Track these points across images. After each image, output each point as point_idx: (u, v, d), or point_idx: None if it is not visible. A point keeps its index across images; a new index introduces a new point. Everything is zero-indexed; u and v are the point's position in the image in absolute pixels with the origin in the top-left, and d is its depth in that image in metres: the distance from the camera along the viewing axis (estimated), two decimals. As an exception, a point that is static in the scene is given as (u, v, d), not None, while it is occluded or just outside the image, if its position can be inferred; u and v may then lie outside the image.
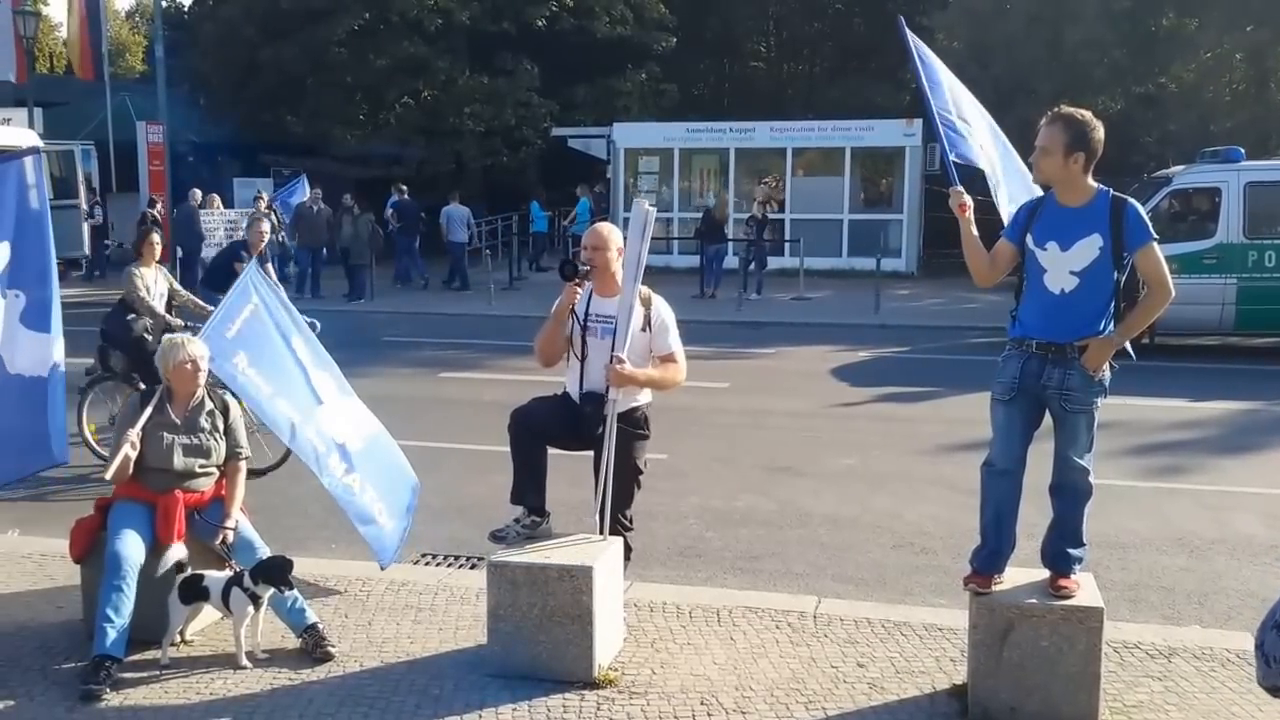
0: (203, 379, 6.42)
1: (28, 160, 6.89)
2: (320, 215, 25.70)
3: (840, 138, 30.54)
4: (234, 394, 6.62)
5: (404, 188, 29.15)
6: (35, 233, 6.78)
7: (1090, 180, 5.43)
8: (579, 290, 6.28)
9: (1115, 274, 5.36)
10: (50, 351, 6.85)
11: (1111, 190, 5.45)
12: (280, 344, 6.88)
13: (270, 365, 6.65)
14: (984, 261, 5.67)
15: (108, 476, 6.18)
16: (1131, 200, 5.41)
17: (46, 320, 6.87)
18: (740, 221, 27.25)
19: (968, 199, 5.76)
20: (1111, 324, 5.42)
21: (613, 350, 6.13)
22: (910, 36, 6.76)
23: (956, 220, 5.79)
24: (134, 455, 6.20)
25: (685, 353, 6.51)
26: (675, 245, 29.42)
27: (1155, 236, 5.36)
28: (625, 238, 6.41)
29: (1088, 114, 5.46)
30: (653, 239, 6.40)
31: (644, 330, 6.28)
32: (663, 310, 6.39)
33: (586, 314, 6.36)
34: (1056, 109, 5.52)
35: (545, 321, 6.45)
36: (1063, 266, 5.38)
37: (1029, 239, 5.48)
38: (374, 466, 6.85)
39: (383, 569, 6.85)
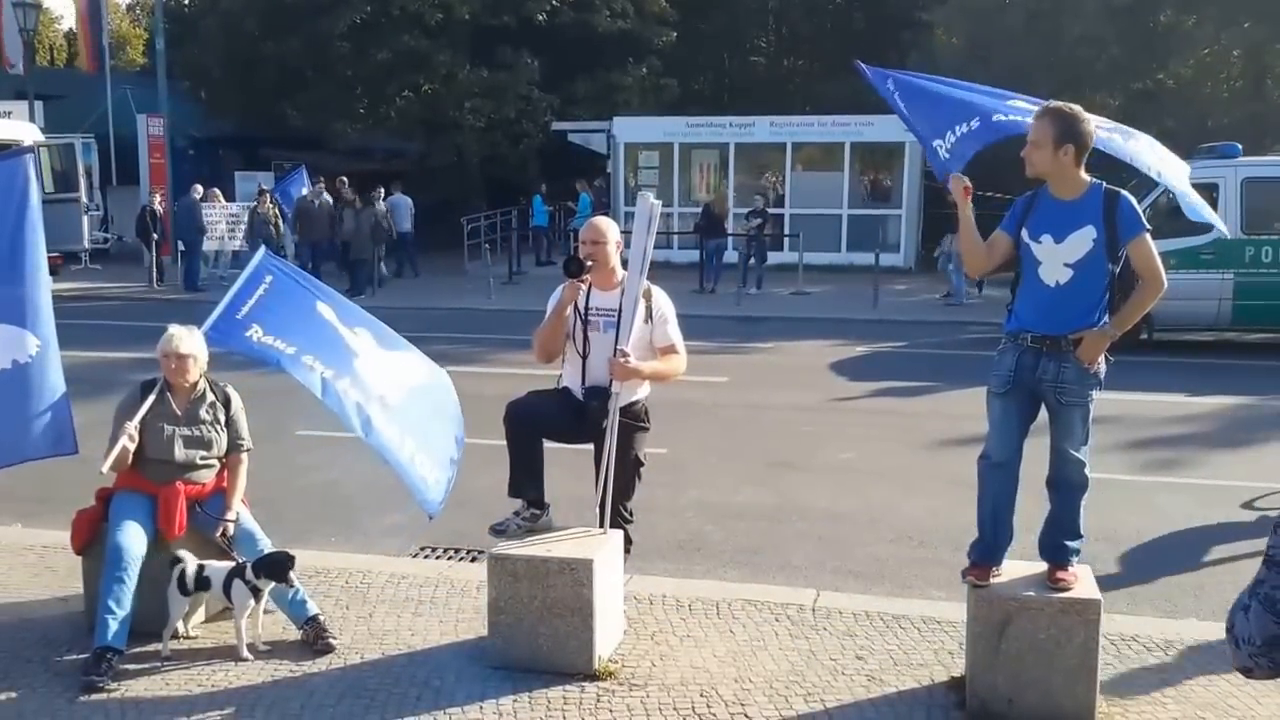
0: (190, 376, 6.41)
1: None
2: (321, 209, 25.65)
3: (840, 133, 30.52)
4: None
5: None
6: (12, 226, 6.63)
7: (1083, 173, 5.47)
8: (583, 286, 6.31)
9: (1110, 266, 5.39)
10: (21, 344, 6.63)
11: (1104, 183, 5.48)
12: (303, 311, 6.75)
13: (290, 329, 6.47)
14: (980, 249, 5.69)
15: (104, 468, 6.16)
16: (1124, 193, 5.44)
17: (13, 312, 6.66)
18: (740, 216, 27.26)
19: (969, 182, 5.77)
20: (1107, 316, 5.45)
21: (616, 344, 6.15)
22: (871, 76, 6.85)
23: (955, 217, 5.82)
24: (132, 447, 6.21)
25: (685, 347, 6.54)
26: (675, 240, 29.44)
27: (1148, 228, 5.39)
28: (629, 232, 6.44)
29: (1076, 107, 5.49)
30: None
31: (646, 323, 6.31)
32: (663, 302, 6.42)
33: (587, 308, 6.38)
34: (1045, 104, 5.55)
35: (545, 317, 6.47)
36: (1057, 259, 5.41)
37: (1024, 233, 5.51)
38: (416, 417, 6.67)
39: (431, 519, 6.60)
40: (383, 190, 26.78)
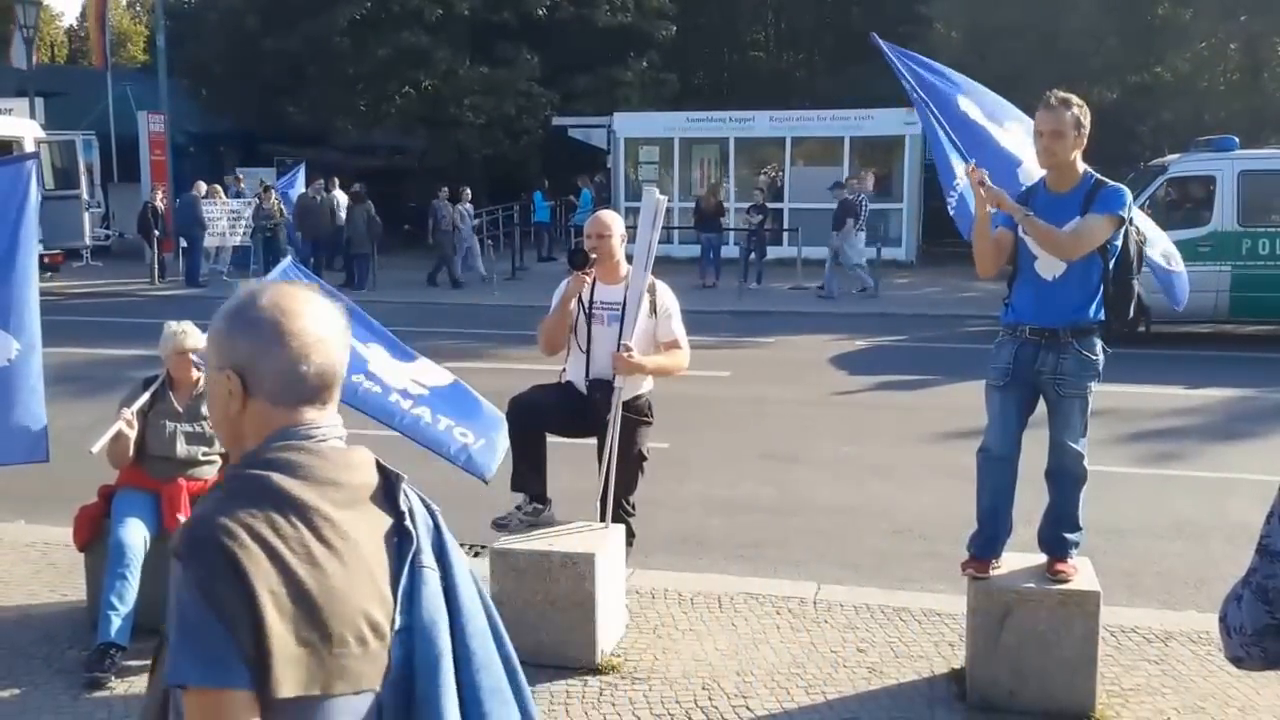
0: (197, 371, 6.45)
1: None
2: (323, 206, 25.62)
3: (839, 127, 30.49)
4: None
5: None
6: (10, 229, 6.66)
7: (1080, 164, 5.51)
8: (587, 279, 6.33)
9: (1104, 258, 5.41)
10: (5, 346, 6.65)
11: (1096, 176, 5.50)
12: None
13: None
14: (992, 249, 5.66)
15: (93, 449, 6.09)
16: (1116, 184, 5.45)
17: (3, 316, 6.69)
18: (741, 210, 27.23)
19: (986, 174, 5.73)
20: (1102, 309, 5.49)
21: (620, 338, 6.17)
22: (890, 52, 6.81)
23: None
24: (130, 434, 6.19)
25: (688, 342, 6.56)
26: (676, 235, 29.39)
27: (1123, 216, 5.38)
28: (633, 227, 6.46)
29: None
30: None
31: (650, 317, 6.33)
32: (667, 297, 6.44)
33: (591, 301, 6.40)
34: (1052, 94, 5.54)
35: (550, 310, 6.50)
36: None
37: (1020, 226, 5.53)
38: (443, 402, 6.71)
39: (486, 482, 6.60)
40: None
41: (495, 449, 6.62)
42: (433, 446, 6.46)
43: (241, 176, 27.56)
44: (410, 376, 6.77)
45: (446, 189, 26.50)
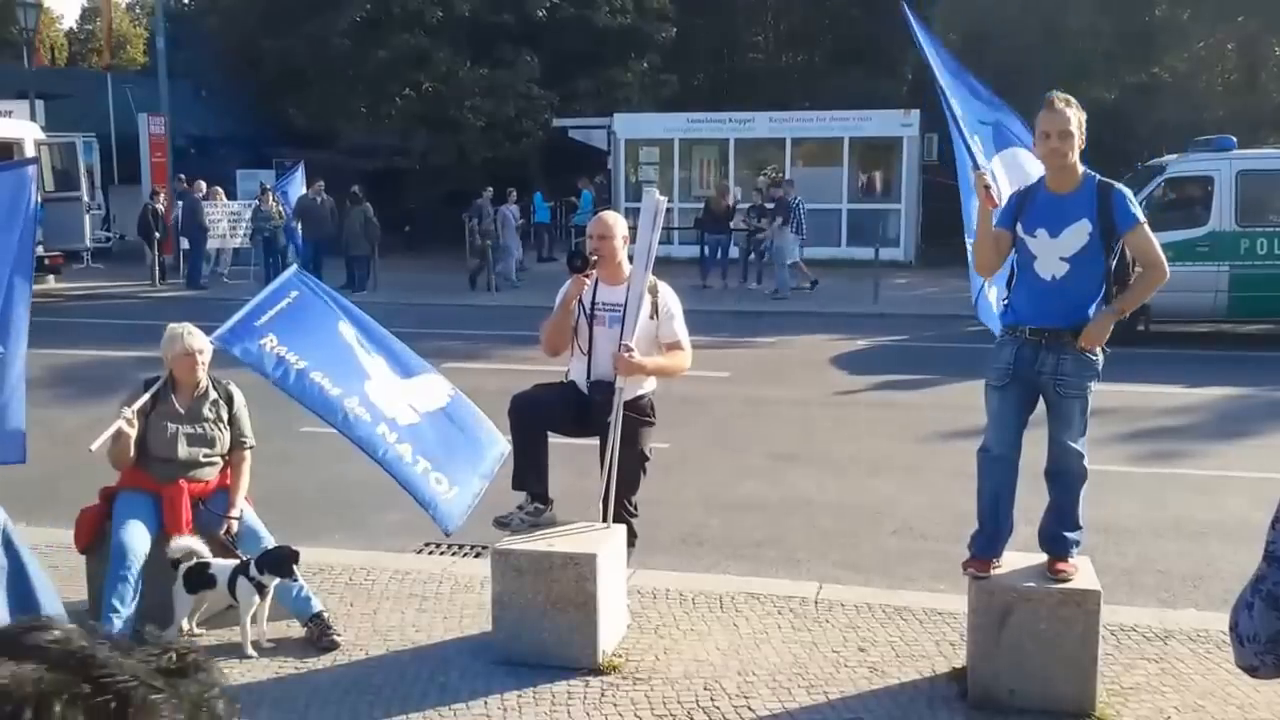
0: (202, 371, 6.45)
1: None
2: (324, 206, 25.57)
3: (839, 128, 30.50)
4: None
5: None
6: (19, 233, 6.67)
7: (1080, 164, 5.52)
8: (587, 281, 6.33)
9: (1105, 259, 5.42)
10: None
11: (1098, 176, 5.51)
12: (322, 329, 6.73)
13: (304, 346, 6.51)
14: (993, 249, 5.68)
15: (93, 447, 6.09)
16: (1119, 185, 5.47)
17: None
18: (741, 211, 27.22)
19: (991, 182, 5.74)
20: (1104, 309, 5.50)
21: (621, 339, 6.18)
22: (916, 25, 6.73)
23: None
24: (130, 433, 6.19)
25: (689, 342, 6.57)
26: (676, 235, 29.37)
27: (1142, 219, 5.41)
28: (633, 227, 6.47)
29: None
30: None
31: (651, 318, 6.33)
32: (669, 298, 6.44)
33: (594, 303, 6.40)
34: (1054, 95, 5.53)
35: (552, 311, 6.50)
36: (1052, 253, 5.44)
37: (1019, 227, 5.53)
38: (432, 438, 6.63)
39: (447, 535, 6.57)
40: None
41: (466, 498, 6.47)
42: (406, 487, 6.34)
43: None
44: (406, 400, 6.70)
45: (491, 189, 26.37)
